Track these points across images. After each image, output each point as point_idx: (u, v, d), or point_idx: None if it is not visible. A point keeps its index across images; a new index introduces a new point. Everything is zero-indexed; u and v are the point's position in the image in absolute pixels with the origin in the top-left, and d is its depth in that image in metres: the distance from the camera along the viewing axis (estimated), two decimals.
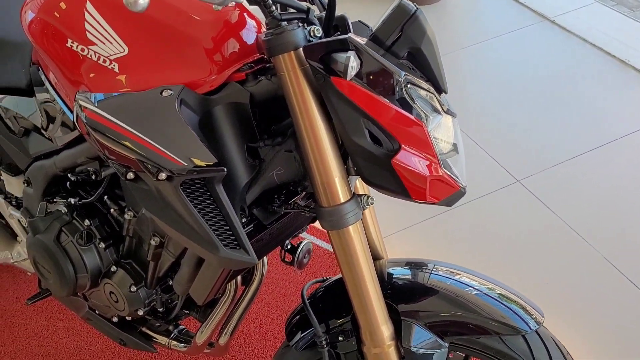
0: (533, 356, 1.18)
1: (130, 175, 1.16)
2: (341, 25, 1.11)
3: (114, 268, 1.44)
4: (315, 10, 1.15)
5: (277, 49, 1.05)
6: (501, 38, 3.67)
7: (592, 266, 2.33)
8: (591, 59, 3.44)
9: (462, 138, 1.11)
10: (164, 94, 1.09)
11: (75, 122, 1.22)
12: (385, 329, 1.20)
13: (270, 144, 1.17)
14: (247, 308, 1.49)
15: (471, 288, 1.24)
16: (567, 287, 2.26)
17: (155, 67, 1.14)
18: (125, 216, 1.38)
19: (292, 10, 1.08)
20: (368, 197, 1.15)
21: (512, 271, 2.31)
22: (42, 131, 1.47)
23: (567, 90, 3.22)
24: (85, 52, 1.18)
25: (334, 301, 1.31)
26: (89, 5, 1.17)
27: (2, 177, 1.75)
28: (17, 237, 1.92)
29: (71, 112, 1.28)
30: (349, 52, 1.00)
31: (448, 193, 1.07)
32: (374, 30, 1.04)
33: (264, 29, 1.12)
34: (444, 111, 1.06)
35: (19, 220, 1.76)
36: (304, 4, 1.09)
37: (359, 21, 1.15)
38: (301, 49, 1.05)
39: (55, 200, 1.51)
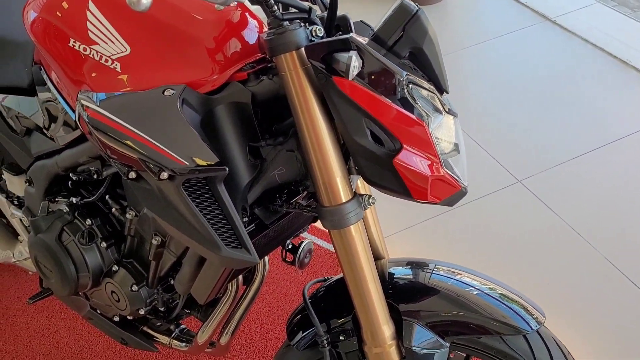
0: (534, 356, 1.18)
1: (132, 175, 1.16)
2: (343, 25, 1.11)
3: (115, 267, 1.45)
4: (317, 10, 1.16)
5: (279, 49, 1.05)
6: (502, 38, 3.67)
7: (593, 266, 2.33)
8: (592, 59, 3.44)
9: (463, 138, 1.11)
10: (166, 93, 1.10)
11: (77, 121, 1.22)
12: (387, 329, 1.20)
13: (272, 144, 1.17)
14: (248, 307, 1.49)
15: (472, 288, 1.24)
16: (568, 287, 2.26)
17: (157, 67, 1.14)
18: (127, 215, 1.38)
19: (294, 10, 1.08)
20: (369, 196, 1.15)
21: (513, 271, 2.32)
22: (44, 130, 1.47)
23: (568, 91, 3.22)
24: (88, 52, 1.18)
25: (335, 301, 1.31)
26: (91, 5, 1.17)
27: (3, 177, 1.75)
28: (19, 237, 1.92)
29: (73, 111, 1.28)
30: (351, 51, 1.00)
31: (449, 193, 1.07)
32: (375, 30, 1.04)
33: (265, 29, 1.12)
34: (446, 111, 1.06)
35: (20, 220, 1.76)
36: (306, 4, 1.09)
37: (361, 21, 1.16)
38: (303, 48, 1.05)
39: (56, 199, 1.51)
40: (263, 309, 2.20)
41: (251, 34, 1.16)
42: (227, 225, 1.13)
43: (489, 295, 1.22)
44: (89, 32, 1.17)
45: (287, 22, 1.05)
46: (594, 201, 2.59)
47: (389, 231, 2.47)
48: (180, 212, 1.13)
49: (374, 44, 1.02)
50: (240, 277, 1.43)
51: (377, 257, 1.32)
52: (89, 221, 1.44)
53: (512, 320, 1.18)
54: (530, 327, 1.18)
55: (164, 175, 1.09)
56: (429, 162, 1.03)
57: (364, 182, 1.20)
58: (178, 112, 1.07)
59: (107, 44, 1.16)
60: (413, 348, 1.21)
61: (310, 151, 1.09)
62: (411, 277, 1.30)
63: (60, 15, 1.22)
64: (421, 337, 1.21)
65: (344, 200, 1.11)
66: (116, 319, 1.58)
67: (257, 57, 1.15)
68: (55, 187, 1.52)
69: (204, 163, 1.07)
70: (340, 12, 1.11)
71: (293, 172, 1.20)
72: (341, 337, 1.28)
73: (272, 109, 1.16)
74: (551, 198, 2.62)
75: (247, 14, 1.17)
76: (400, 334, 1.22)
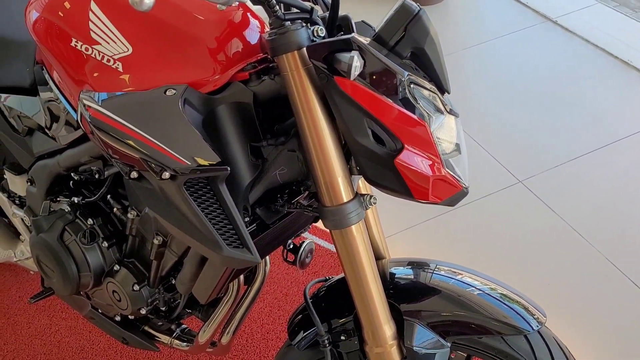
0: (535, 356, 1.18)
1: (134, 175, 1.17)
2: (344, 25, 1.12)
3: (117, 267, 1.45)
4: (319, 10, 1.16)
5: (280, 49, 1.05)
6: (504, 38, 3.67)
7: (594, 266, 2.33)
8: (593, 59, 3.44)
9: (464, 138, 1.11)
10: (167, 93, 1.10)
11: (79, 121, 1.22)
12: (388, 329, 1.21)
13: (274, 144, 1.17)
14: (249, 307, 1.49)
15: (473, 288, 1.24)
16: (569, 287, 2.26)
17: (159, 67, 1.14)
18: (129, 215, 1.38)
19: (295, 10, 1.08)
20: (371, 196, 1.15)
21: (514, 271, 2.32)
22: (46, 130, 1.47)
23: (570, 91, 3.22)
24: (90, 52, 1.19)
25: (336, 301, 1.31)
26: (93, 5, 1.17)
27: (5, 176, 1.75)
28: (20, 236, 1.92)
29: (75, 111, 1.28)
30: (353, 52, 1.00)
31: (451, 193, 1.07)
32: (377, 30, 1.04)
33: (267, 29, 1.12)
34: (447, 111, 1.07)
35: (22, 219, 1.76)
36: (308, 4, 1.09)
37: (362, 21, 1.16)
38: (304, 48, 1.05)
39: (58, 199, 1.51)
40: (264, 309, 2.20)
41: (253, 34, 1.16)
42: (229, 225, 1.13)
43: (490, 296, 1.22)
44: (91, 32, 1.18)
45: (289, 22, 1.05)
46: (595, 201, 2.59)
47: (390, 231, 2.47)
48: (181, 212, 1.14)
49: (376, 44, 1.03)
50: (242, 277, 1.43)
51: (378, 257, 1.32)
52: (90, 221, 1.44)
53: (513, 320, 1.18)
54: (531, 327, 1.18)
55: (166, 175, 1.09)
56: (430, 162, 1.03)
57: (365, 182, 1.20)
58: (180, 112, 1.08)
59: (109, 43, 1.16)
60: (414, 348, 1.21)
61: (311, 151, 1.09)
62: (412, 277, 1.30)
63: (62, 15, 1.23)
64: (422, 337, 1.21)
65: (345, 200, 1.11)
66: (117, 318, 1.58)
67: (259, 57, 1.15)
68: (56, 186, 1.52)
69: (206, 163, 1.07)
70: (341, 12, 1.11)
71: (294, 172, 1.20)
72: (342, 337, 1.28)
73: (274, 109, 1.16)
74: (552, 198, 2.62)
75: (248, 14, 1.18)
76: (401, 334, 1.22)
